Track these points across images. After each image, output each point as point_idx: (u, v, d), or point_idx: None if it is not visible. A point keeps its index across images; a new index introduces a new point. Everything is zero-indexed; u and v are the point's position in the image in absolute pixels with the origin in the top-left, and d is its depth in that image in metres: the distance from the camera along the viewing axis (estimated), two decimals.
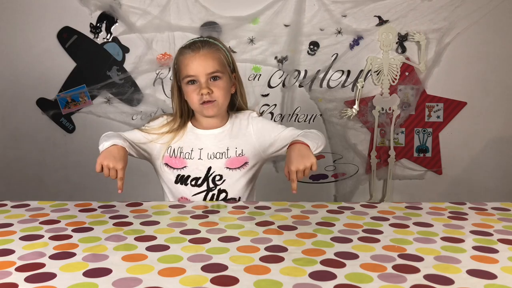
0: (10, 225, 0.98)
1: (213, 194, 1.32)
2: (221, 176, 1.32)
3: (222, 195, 1.33)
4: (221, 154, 1.33)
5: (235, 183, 1.33)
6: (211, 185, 1.32)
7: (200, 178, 1.32)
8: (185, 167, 1.33)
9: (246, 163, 1.34)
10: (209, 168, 1.32)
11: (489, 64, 2.44)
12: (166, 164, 1.35)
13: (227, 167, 1.32)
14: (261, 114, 1.49)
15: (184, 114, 1.38)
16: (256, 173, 1.39)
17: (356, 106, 2.45)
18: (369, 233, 0.93)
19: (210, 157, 1.33)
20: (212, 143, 1.34)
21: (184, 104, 1.37)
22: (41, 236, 0.90)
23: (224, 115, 1.39)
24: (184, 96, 1.35)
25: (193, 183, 1.33)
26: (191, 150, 1.34)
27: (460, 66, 2.43)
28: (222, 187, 1.32)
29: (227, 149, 1.33)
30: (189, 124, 1.38)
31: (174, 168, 1.34)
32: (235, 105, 1.41)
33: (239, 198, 1.34)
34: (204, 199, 1.32)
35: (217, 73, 1.29)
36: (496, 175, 2.51)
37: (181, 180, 1.33)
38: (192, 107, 1.34)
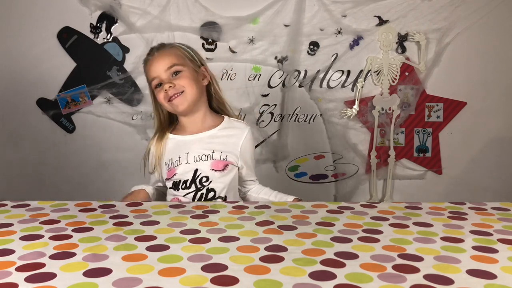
0: (10, 225, 0.98)
1: (202, 194, 1.36)
2: (207, 178, 1.36)
3: (211, 194, 1.36)
4: (206, 156, 1.37)
5: (221, 183, 1.37)
6: (199, 185, 1.36)
7: (188, 180, 1.36)
8: (175, 174, 1.38)
9: (227, 165, 1.38)
10: (196, 170, 1.36)
11: (489, 64, 2.44)
12: (166, 178, 1.41)
13: (212, 169, 1.36)
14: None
15: (165, 123, 1.44)
16: (237, 173, 1.43)
17: (356, 106, 2.45)
18: (369, 233, 0.93)
19: (196, 160, 1.36)
20: (197, 146, 1.38)
21: (161, 112, 1.44)
22: (41, 236, 0.90)
23: (211, 118, 1.43)
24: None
25: (183, 186, 1.37)
26: (179, 157, 1.38)
27: (460, 66, 2.43)
28: (209, 186, 1.36)
29: (212, 152, 1.37)
30: (172, 135, 1.42)
31: (169, 179, 1.40)
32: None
33: (225, 197, 1.38)
34: (193, 198, 1.36)
35: (175, 67, 1.34)
36: (496, 175, 2.51)
37: (174, 186, 1.39)
38: (165, 108, 1.39)
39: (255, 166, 1.50)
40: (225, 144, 1.39)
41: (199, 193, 1.36)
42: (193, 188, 1.36)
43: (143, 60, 1.43)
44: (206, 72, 1.43)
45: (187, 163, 1.37)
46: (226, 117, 1.45)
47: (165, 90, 1.33)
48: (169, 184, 1.40)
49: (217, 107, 1.47)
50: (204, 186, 1.36)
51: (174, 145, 1.41)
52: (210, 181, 1.36)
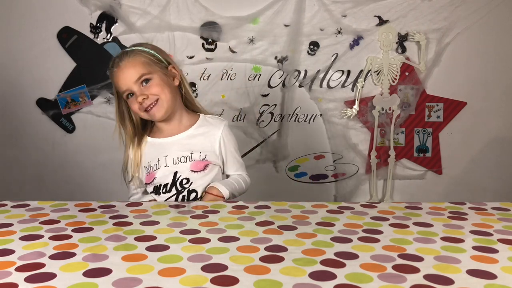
0: (10, 225, 0.98)
1: (183, 196, 1.34)
2: (188, 180, 1.34)
3: (193, 195, 1.35)
4: (185, 158, 1.35)
5: (202, 184, 1.35)
6: (180, 188, 1.34)
7: (168, 183, 1.34)
8: (154, 178, 1.35)
9: (207, 165, 1.36)
10: (175, 173, 1.34)
11: (489, 64, 2.44)
12: (145, 183, 1.39)
13: (192, 170, 1.34)
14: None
15: (139, 128, 1.41)
16: (219, 172, 1.41)
17: (356, 106, 2.45)
18: (369, 233, 0.93)
19: (176, 162, 1.34)
20: (175, 148, 1.36)
21: (135, 117, 1.40)
22: (41, 236, 0.90)
23: (187, 117, 1.41)
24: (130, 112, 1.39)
25: (164, 190, 1.35)
26: (158, 161, 1.36)
27: (460, 66, 2.43)
28: (190, 188, 1.35)
29: (191, 153, 1.35)
30: (150, 139, 1.40)
31: (148, 184, 1.37)
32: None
33: None
34: (176, 200, 1.34)
35: (144, 76, 1.30)
36: (496, 175, 2.51)
37: (155, 190, 1.36)
38: (142, 117, 1.36)
39: (240, 160, 1.45)
40: (203, 143, 1.37)
41: (180, 196, 1.34)
42: (173, 191, 1.34)
43: (108, 72, 1.37)
44: (175, 70, 1.38)
45: (166, 166, 1.34)
46: (201, 115, 1.43)
47: (139, 102, 1.30)
48: (150, 189, 1.38)
49: (189, 107, 1.45)
50: (184, 188, 1.34)
51: (152, 149, 1.38)
52: (191, 183, 1.34)
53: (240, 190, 1.41)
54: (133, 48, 1.35)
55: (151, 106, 1.31)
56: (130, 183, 1.43)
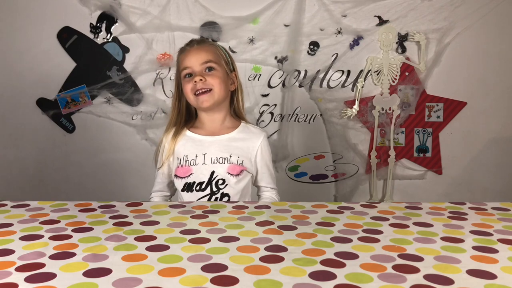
0: (10, 225, 0.98)
1: (216, 198, 1.35)
2: (223, 181, 1.35)
3: (225, 199, 1.36)
4: (224, 159, 1.36)
5: (236, 188, 1.37)
6: (214, 189, 1.35)
7: (204, 182, 1.35)
8: (191, 174, 1.36)
9: (243, 171, 1.38)
10: (213, 172, 1.35)
11: (489, 64, 2.44)
12: (176, 175, 1.39)
13: (229, 173, 1.36)
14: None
15: (182, 118, 1.43)
16: (250, 181, 1.43)
17: (356, 106, 2.45)
18: (369, 233, 0.93)
19: (214, 162, 1.36)
20: (215, 148, 1.38)
21: (181, 105, 1.42)
22: (41, 236, 0.90)
23: (230, 121, 1.43)
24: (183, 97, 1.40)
25: (197, 188, 1.36)
26: (196, 157, 1.37)
27: (460, 66, 2.43)
28: (224, 191, 1.36)
29: (230, 156, 1.37)
30: (189, 133, 1.41)
31: (181, 177, 1.37)
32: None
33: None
34: (209, 201, 1.35)
35: (211, 63, 1.35)
36: (496, 175, 2.51)
37: (188, 187, 1.37)
38: (189, 100, 1.38)
39: (273, 174, 1.48)
40: (242, 149, 1.39)
41: (213, 197, 1.35)
42: (208, 191, 1.35)
43: (180, 49, 1.42)
44: (235, 78, 1.44)
45: (204, 163, 1.36)
46: (242, 122, 1.46)
47: (195, 81, 1.33)
48: (180, 184, 1.38)
49: (233, 114, 1.48)
50: (219, 189, 1.35)
51: (191, 143, 1.40)
52: (226, 185, 1.35)
53: None
54: (213, 41, 1.41)
55: (202, 91, 1.34)
56: (159, 170, 1.44)
